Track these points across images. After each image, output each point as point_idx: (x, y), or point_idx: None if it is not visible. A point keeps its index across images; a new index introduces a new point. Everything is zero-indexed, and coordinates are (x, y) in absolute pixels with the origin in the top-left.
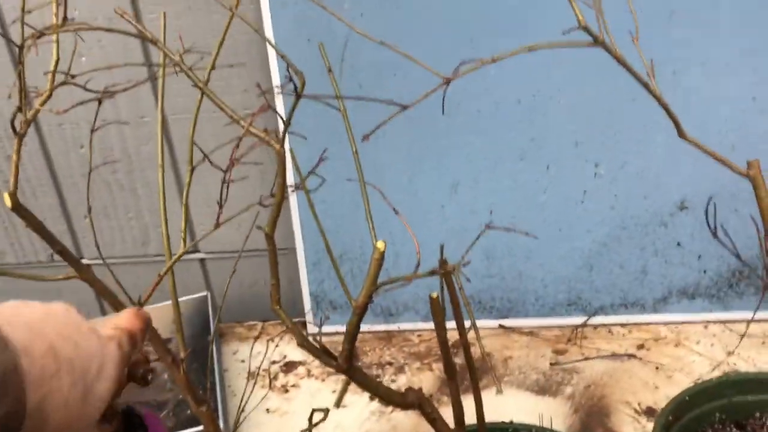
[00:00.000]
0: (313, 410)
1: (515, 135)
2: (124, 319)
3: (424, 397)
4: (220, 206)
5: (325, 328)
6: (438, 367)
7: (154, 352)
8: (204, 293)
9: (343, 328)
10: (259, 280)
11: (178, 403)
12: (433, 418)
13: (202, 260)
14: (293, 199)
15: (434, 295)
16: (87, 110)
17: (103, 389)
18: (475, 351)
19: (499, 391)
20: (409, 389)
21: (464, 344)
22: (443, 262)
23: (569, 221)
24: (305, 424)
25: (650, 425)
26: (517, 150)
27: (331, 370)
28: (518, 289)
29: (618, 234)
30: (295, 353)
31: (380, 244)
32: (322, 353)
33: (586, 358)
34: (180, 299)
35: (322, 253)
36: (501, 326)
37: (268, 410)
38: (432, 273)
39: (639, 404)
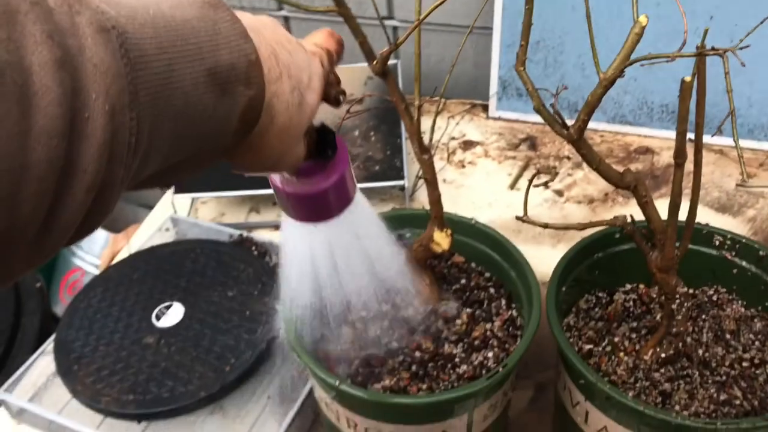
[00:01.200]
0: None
1: None
2: (322, 38)
3: (641, 180)
4: None
5: (507, 114)
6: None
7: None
8: (395, 60)
9: (525, 116)
10: (446, 56)
11: (367, 158)
12: (645, 202)
13: (395, 28)
14: None
15: (687, 78)
16: None
17: (312, 100)
18: (659, 160)
19: None
20: (627, 170)
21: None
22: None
23: None
24: (480, 198)
25: None
26: None
27: (509, 153)
28: (718, 105)
29: None
30: (474, 133)
31: (642, 19)
32: (556, 121)
33: None
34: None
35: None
36: (691, 140)
37: (444, 180)
38: (699, 53)
39: None
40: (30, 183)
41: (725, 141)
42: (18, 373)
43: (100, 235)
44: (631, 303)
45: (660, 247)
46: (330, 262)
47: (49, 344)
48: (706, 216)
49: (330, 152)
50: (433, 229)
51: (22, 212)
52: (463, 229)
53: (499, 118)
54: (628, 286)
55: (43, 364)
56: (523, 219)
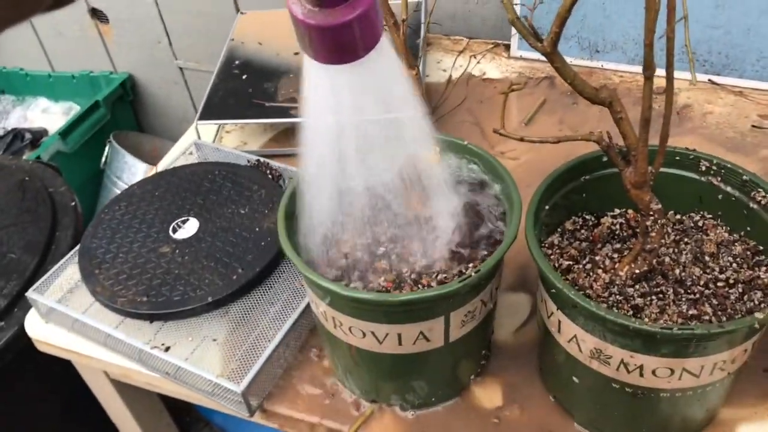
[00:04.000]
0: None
1: None
2: None
3: (616, 96)
4: None
5: (528, 54)
6: (633, 110)
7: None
8: None
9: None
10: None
11: None
12: (620, 118)
13: None
14: None
15: None
16: None
17: None
18: (677, 100)
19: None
20: (603, 86)
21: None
22: None
23: None
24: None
25: None
26: None
27: (527, 90)
28: (741, 45)
29: None
30: (494, 72)
31: None
32: (530, 34)
33: None
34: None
35: None
36: (711, 81)
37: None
38: None
39: None
40: None
41: (745, 83)
42: (46, 275)
43: (139, 168)
44: (618, 227)
45: (634, 164)
46: (352, 115)
47: (75, 253)
48: (717, 154)
49: None
50: None
51: None
52: (456, 148)
53: (520, 58)
54: (617, 211)
55: (70, 272)
56: (499, 132)
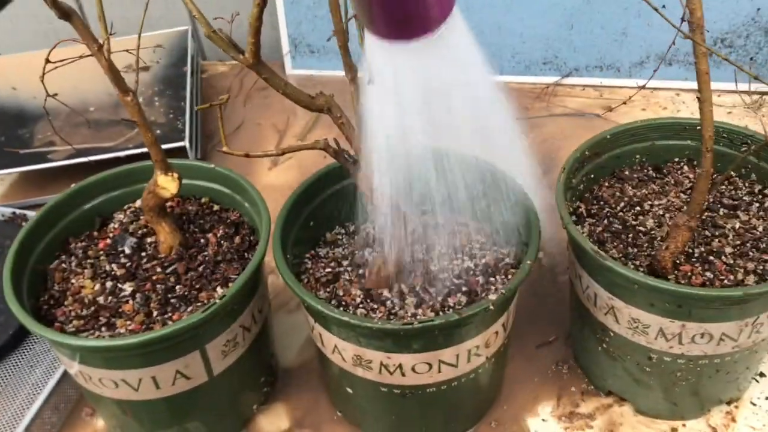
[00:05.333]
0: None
1: None
2: None
3: (333, 102)
4: None
5: (302, 71)
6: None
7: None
8: (186, 27)
9: (319, 72)
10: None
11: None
12: (341, 123)
13: None
14: None
15: None
16: None
17: None
18: None
19: None
20: (320, 93)
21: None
22: None
23: None
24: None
25: None
26: None
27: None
28: (496, 44)
29: None
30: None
31: None
32: (230, 46)
33: (550, 115)
34: (163, 31)
35: None
36: None
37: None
38: None
39: None
40: None
41: (507, 78)
42: None
43: None
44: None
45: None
46: (423, 102)
47: None
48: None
49: None
50: (157, 173)
51: None
52: (203, 173)
53: (295, 76)
54: None
55: None
56: (222, 150)
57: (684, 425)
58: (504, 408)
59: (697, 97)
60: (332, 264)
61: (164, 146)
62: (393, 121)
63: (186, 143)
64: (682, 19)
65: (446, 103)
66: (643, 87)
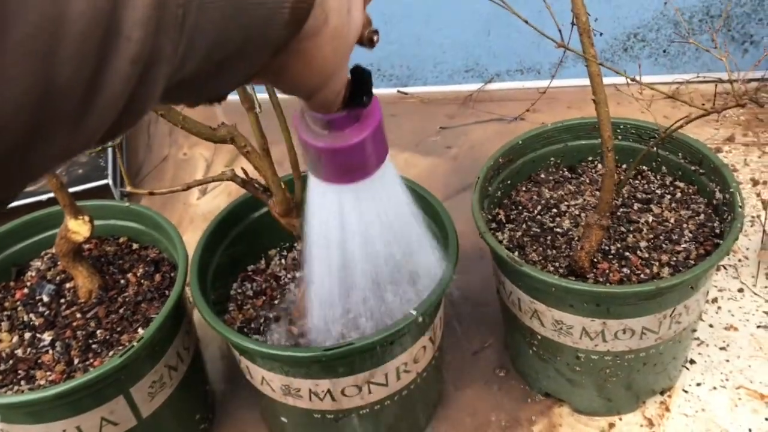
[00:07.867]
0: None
1: None
2: None
3: (237, 132)
4: None
5: None
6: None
7: None
8: None
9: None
10: None
11: (69, 163)
12: (247, 152)
13: None
14: None
15: None
16: None
17: (357, 16)
18: None
19: None
20: (222, 124)
21: None
22: None
23: None
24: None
25: None
26: None
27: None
28: (417, 55)
29: None
30: None
31: None
32: None
33: (475, 122)
34: None
35: None
36: (399, 92)
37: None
38: None
39: None
40: (70, 39)
41: (431, 89)
42: None
43: None
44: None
45: (275, 193)
46: (359, 231)
47: None
48: (415, 160)
49: (366, 99)
50: (67, 218)
51: (62, 74)
52: (118, 212)
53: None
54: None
55: None
56: (127, 191)
57: (621, 419)
58: (445, 417)
59: (593, 99)
60: (260, 291)
61: (87, 185)
62: (332, 250)
63: (109, 181)
64: (572, 23)
65: (375, 230)
66: (544, 92)
